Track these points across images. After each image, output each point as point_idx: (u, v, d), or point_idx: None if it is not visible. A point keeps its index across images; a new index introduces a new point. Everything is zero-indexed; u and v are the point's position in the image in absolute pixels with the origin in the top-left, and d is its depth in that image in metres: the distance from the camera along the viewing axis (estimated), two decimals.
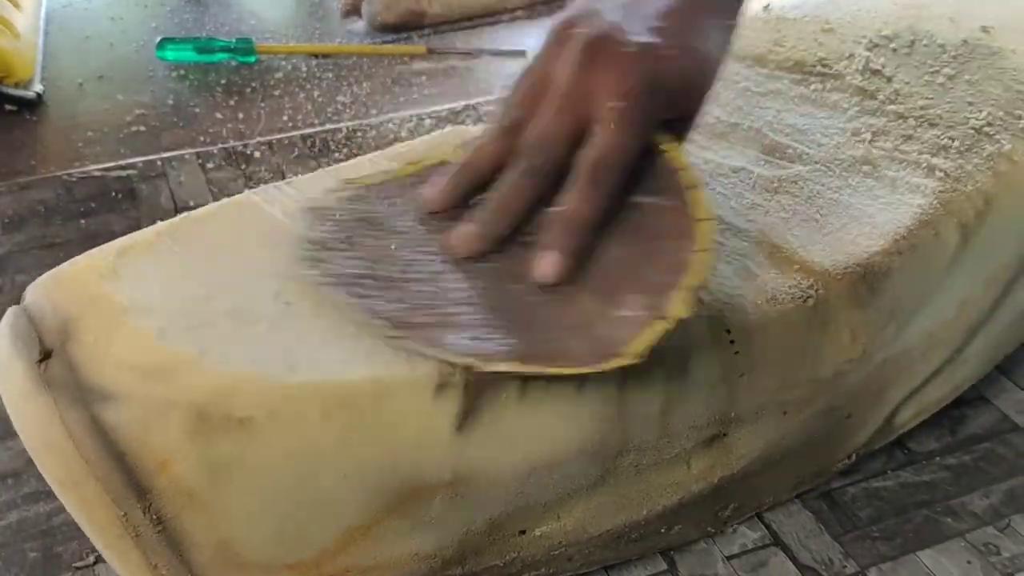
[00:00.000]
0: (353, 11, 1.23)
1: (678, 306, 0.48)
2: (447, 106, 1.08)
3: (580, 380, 0.50)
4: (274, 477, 0.47)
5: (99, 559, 0.59)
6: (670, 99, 0.53)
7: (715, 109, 0.72)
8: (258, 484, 0.47)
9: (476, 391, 0.48)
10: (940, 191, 0.61)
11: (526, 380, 0.49)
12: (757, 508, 0.61)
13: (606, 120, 0.51)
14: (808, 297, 0.56)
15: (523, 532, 0.54)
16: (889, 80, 0.72)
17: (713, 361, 0.54)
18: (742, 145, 0.69)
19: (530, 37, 1.22)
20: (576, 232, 0.51)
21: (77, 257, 0.52)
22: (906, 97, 0.70)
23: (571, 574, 0.58)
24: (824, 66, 0.74)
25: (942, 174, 0.63)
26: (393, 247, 0.54)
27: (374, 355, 0.48)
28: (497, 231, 0.52)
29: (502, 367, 0.48)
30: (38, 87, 1.11)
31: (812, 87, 0.73)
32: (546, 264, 0.50)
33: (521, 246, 0.53)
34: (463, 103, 1.08)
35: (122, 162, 1.01)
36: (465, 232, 0.53)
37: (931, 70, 0.72)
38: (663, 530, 0.58)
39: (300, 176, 0.62)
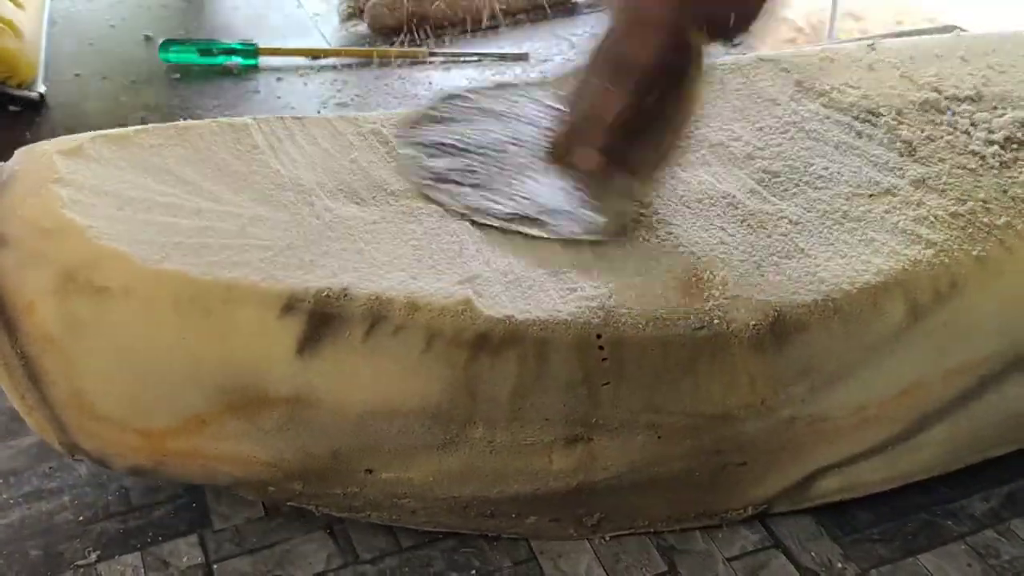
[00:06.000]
0: (355, 14, 1.23)
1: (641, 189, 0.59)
2: None
3: (428, 340, 0.52)
4: (122, 347, 0.52)
5: (100, 558, 0.59)
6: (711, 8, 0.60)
7: (745, 133, 0.73)
8: (108, 348, 0.53)
9: (320, 321, 0.52)
10: (902, 261, 0.59)
11: (372, 326, 0.52)
12: (631, 528, 0.60)
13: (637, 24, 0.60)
14: (702, 327, 0.55)
15: (370, 471, 0.56)
16: (932, 141, 0.70)
17: (574, 362, 0.54)
18: (747, 172, 0.68)
19: (532, 41, 1.22)
20: (602, 129, 0.58)
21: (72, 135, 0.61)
22: (937, 162, 0.68)
23: (415, 528, 0.60)
24: (876, 115, 0.73)
25: (921, 245, 0.60)
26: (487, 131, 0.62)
27: (238, 266, 0.52)
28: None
29: (489, 221, 0.56)
30: (41, 88, 1.12)
31: (855, 133, 0.71)
32: (578, 158, 0.59)
33: None
34: None
35: None
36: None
37: (985, 144, 0.69)
38: (515, 515, 0.58)
39: (305, 116, 0.66)
